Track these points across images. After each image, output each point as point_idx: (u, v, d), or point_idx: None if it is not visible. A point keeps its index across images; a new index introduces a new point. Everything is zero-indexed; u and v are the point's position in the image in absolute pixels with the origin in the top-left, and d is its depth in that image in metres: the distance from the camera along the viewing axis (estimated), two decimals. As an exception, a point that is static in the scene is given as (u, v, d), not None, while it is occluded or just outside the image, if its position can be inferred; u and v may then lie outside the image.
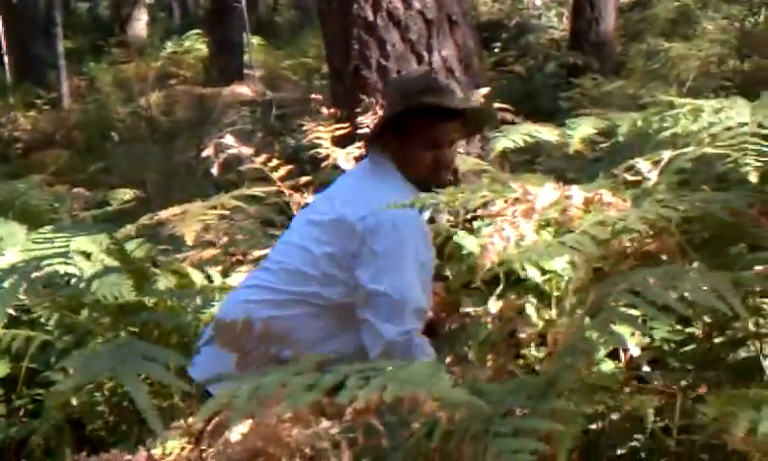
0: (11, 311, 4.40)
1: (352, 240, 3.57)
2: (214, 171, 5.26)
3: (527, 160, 5.38)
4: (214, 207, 4.99)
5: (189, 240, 4.75)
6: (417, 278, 3.51)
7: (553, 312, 3.35)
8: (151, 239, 5.27)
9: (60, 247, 4.82)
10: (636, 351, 3.40)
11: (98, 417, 4.17)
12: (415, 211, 3.50)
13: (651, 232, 3.00)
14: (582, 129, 4.26)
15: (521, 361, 3.33)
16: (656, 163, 3.41)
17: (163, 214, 5.04)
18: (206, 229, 5.36)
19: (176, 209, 5.07)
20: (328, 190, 3.86)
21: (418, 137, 3.69)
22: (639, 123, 3.99)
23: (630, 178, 3.46)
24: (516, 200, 3.17)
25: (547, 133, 4.35)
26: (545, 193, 3.14)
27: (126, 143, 11.92)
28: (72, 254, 4.75)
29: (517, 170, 4.77)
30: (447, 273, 4.03)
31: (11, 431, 4.48)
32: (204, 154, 5.29)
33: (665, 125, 3.76)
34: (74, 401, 4.27)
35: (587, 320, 2.51)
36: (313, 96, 5.82)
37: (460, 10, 5.10)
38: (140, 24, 20.31)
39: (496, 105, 5.28)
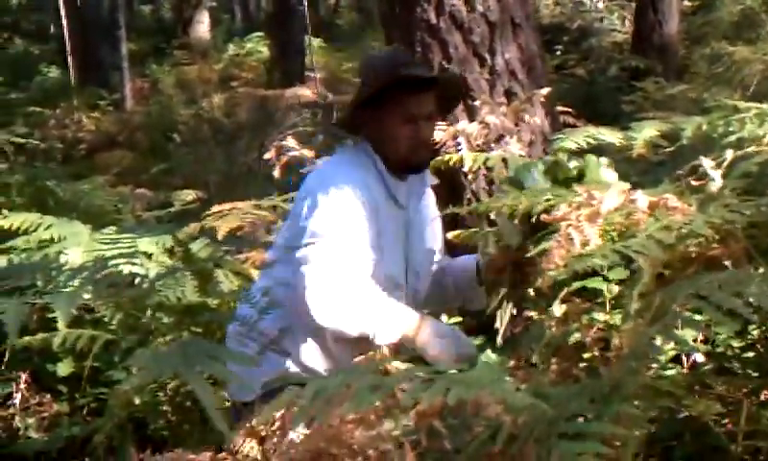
0: (74, 311, 4.44)
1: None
2: (276, 173, 5.29)
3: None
4: (259, 206, 5.04)
5: (220, 235, 4.79)
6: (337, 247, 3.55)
7: (617, 317, 3.33)
8: (214, 240, 5.30)
9: (125, 247, 4.86)
10: (700, 357, 3.38)
11: (161, 416, 4.20)
12: (347, 179, 3.62)
13: (716, 237, 2.98)
14: (645, 132, 4.23)
15: (585, 365, 3.31)
16: (720, 165, 3.38)
17: (215, 209, 5.09)
18: (268, 230, 5.40)
19: (225, 206, 5.12)
20: None
21: (393, 113, 3.71)
22: (704, 127, 3.96)
23: (694, 182, 3.43)
24: (581, 204, 3.16)
25: (610, 136, 4.33)
26: (610, 197, 3.13)
27: (188, 145, 12.01)
28: (137, 255, 4.79)
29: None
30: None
31: (74, 430, 4.54)
32: (266, 156, 5.32)
33: (731, 129, 3.74)
34: (137, 400, 4.30)
35: (651, 324, 2.49)
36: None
37: (523, 12, 5.08)
38: (202, 27, 20.44)
39: (558, 108, 5.26)
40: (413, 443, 2.28)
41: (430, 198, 4.11)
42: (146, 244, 4.97)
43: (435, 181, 4.07)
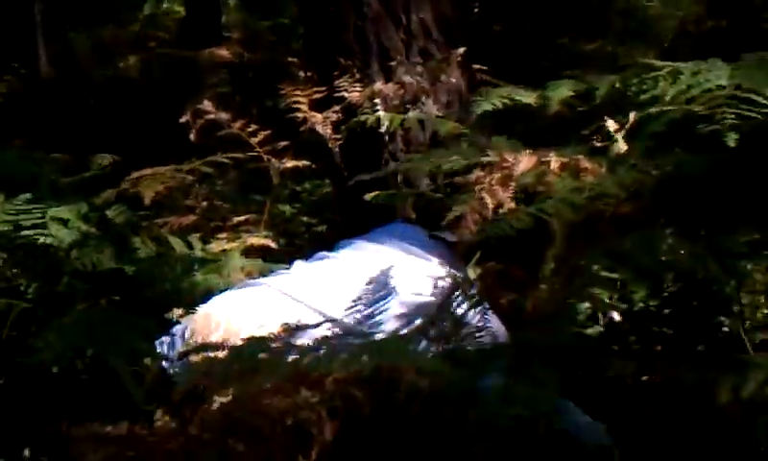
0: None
1: None
2: (192, 136, 5.23)
3: (506, 123, 5.36)
4: (180, 170, 4.99)
5: (147, 200, 4.75)
6: None
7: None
8: (130, 205, 5.24)
9: (42, 216, 4.78)
10: (616, 316, 3.41)
11: (79, 386, 4.16)
12: None
13: (625, 196, 3.01)
14: (560, 91, 4.25)
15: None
16: (623, 126, 3.42)
17: (134, 175, 5.04)
18: (186, 195, 5.35)
19: (147, 171, 5.06)
20: None
21: None
22: (618, 85, 3.98)
23: (598, 144, 3.47)
24: (494, 167, 3.17)
25: (526, 96, 4.34)
26: (523, 160, 3.14)
27: (103, 107, 11.83)
28: (50, 224, 4.72)
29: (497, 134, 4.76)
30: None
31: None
32: (182, 119, 5.26)
33: (644, 88, 3.76)
34: (54, 370, 4.26)
35: (567, 285, 2.52)
36: (290, 59, 5.78)
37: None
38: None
39: (475, 66, 5.26)
40: (331, 410, 2.28)
41: None
42: (62, 211, 4.90)
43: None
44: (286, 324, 2.92)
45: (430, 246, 3.81)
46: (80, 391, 4.14)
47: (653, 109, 3.47)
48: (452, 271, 3.45)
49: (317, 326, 3.06)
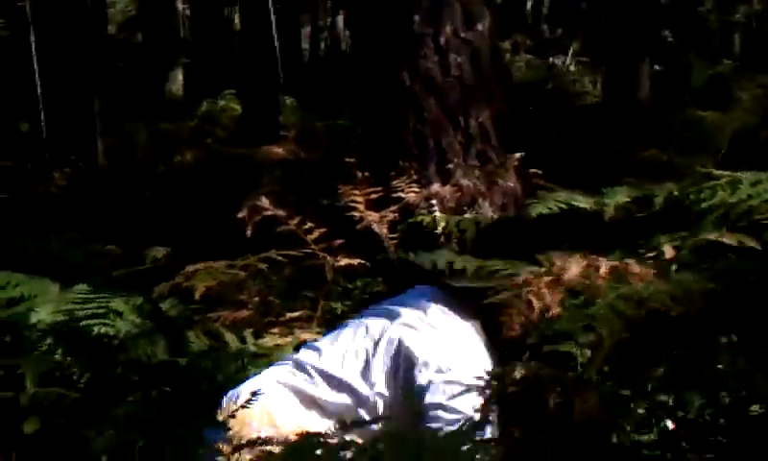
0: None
1: None
2: (248, 232, 5.27)
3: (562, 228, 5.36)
4: (234, 266, 5.02)
5: (197, 295, 4.77)
6: None
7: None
8: (188, 299, 5.26)
9: (96, 306, 4.82)
10: (669, 424, 3.37)
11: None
12: None
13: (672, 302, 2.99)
14: (617, 197, 4.25)
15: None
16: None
17: (188, 269, 5.07)
18: (240, 289, 5.37)
19: (200, 265, 5.09)
20: None
21: None
22: (676, 193, 3.99)
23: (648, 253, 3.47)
24: (544, 272, 3.17)
25: (583, 201, 4.35)
26: (572, 266, 3.14)
27: (160, 201, 11.94)
28: (108, 314, 4.75)
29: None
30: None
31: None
32: (240, 215, 5.30)
33: (702, 196, 3.76)
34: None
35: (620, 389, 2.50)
36: (347, 160, 5.82)
37: (497, 76, 5.11)
38: (177, 83, 20.44)
39: (531, 170, 5.27)
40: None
41: None
42: (116, 303, 4.93)
43: None
44: (342, 419, 2.91)
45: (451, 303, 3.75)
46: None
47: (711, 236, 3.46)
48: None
49: (371, 422, 3.05)
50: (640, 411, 3.23)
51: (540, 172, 5.34)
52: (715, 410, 3.42)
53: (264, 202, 5.14)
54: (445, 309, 3.62)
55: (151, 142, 15.59)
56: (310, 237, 5.01)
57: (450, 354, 3.42)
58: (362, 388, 3.44)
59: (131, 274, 6.78)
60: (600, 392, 3.02)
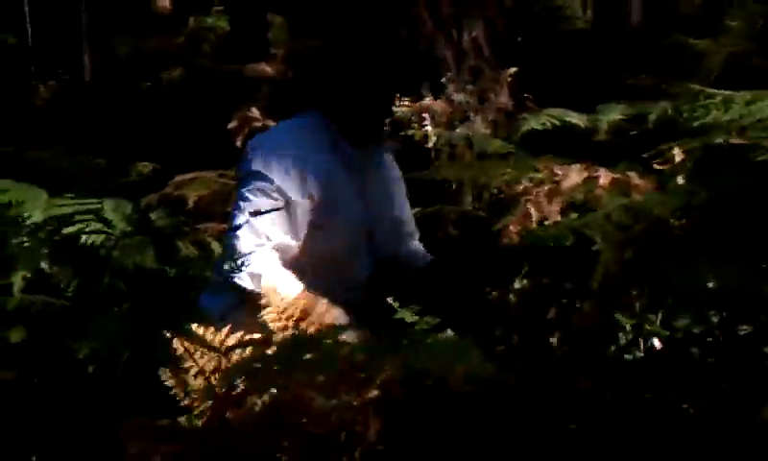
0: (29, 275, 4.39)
1: None
2: (238, 143, 5.25)
3: (553, 145, 5.35)
4: (224, 175, 5.01)
5: (191, 202, 4.76)
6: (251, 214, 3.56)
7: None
8: (177, 208, 5.24)
9: (85, 214, 4.79)
10: (657, 343, 3.38)
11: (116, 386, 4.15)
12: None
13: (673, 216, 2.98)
14: (611, 115, 4.24)
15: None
16: (687, 152, 3.39)
17: (178, 179, 5.05)
18: (226, 202, 5.36)
19: (189, 175, 5.07)
20: None
21: None
22: (670, 111, 3.97)
23: (657, 166, 3.44)
24: (542, 181, 3.15)
25: (576, 118, 4.34)
26: (571, 175, 3.13)
27: (145, 116, 11.88)
28: (94, 223, 4.73)
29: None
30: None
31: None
32: (230, 126, 5.28)
33: (696, 115, 3.74)
34: (90, 369, 4.25)
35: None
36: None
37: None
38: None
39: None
40: (376, 410, 2.26)
41: (391, 165, 3.97)
42: (105, 211, 4.91)
43: (394, 147, 4.01)
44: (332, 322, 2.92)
45: None
46: (117, 390, 4.14)
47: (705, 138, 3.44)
48: None
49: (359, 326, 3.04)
50: (628, 328, 3.24)
51: (529, 96, 5.32)
52: (704, 329, 3.42)
53: (255, 112, 5.13)
54: None
55: (137, 57, 15.49)
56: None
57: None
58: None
59: (118, 185, 6.76)
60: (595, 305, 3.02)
